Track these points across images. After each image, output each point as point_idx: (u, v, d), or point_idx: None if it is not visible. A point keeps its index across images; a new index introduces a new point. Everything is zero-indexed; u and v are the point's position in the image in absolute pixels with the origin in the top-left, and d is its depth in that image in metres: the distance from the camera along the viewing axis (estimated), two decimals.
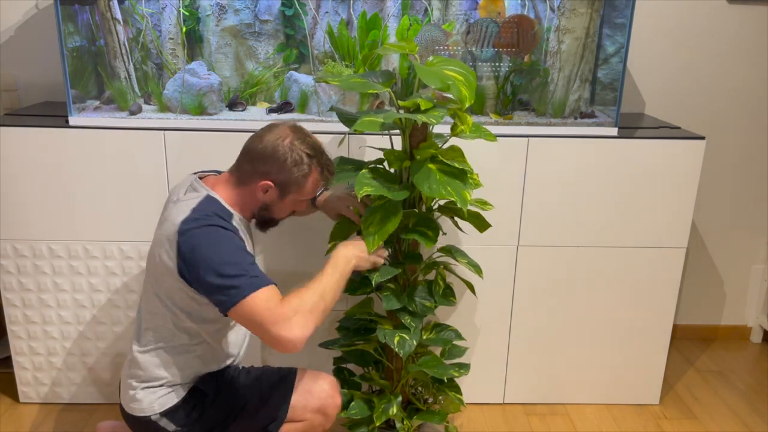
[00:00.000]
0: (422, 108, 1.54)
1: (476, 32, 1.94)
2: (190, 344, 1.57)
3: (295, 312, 1.41)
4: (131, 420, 1.60)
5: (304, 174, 1.55)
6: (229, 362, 1.70)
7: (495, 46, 1.97)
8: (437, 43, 1.93)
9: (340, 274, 1.53)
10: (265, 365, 1.75)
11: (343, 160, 1.77)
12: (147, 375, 1.56)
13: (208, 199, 1.52)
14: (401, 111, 1.60)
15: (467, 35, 1.96)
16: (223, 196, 1.56)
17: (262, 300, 1.41)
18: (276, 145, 1.53)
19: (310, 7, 1.99)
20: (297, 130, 1.57)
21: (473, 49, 1.97)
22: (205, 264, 1.42)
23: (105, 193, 1.98)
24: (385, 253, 1.68)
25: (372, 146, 1.96)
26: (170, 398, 1.57)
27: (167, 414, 1.56)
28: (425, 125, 1.62)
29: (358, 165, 1.74)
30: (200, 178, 1.60)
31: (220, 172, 1.66)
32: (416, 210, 1.70)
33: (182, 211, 1.48)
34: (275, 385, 1.65)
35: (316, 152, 1.57)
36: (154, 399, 1.56)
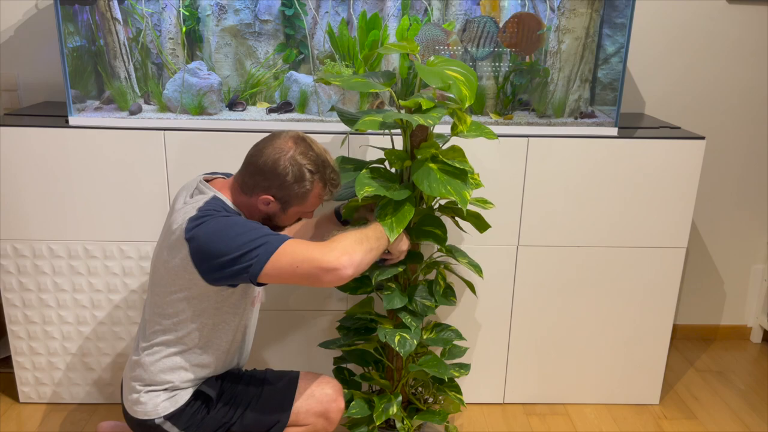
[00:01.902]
0: (424, 107, 1.54)
1: (472, 30, 1.93)
2: (195, 348, 1.56)
3: (335, 243, 1.42)
4: (134, 423, 1.59)
5: (305, 190, 1.52)
6: (232, 366, 1.69)
7: (502, 43, 1.95)
8: (438, 43, 1.93)
9: (378, 236, 1.52)
10: (268, 369, 1.74)
11: (344, 160, 1.78)
12: (151, 378, 1.55)
13: (215, 199, 1.52)
14: (402, 110, 1.60)
15: (463, 33, 1.95)
16: (230, 199, 1.55)
17: (296, 244, 1.41)
18: (277, 160, 1.49)
19: (310, 7, 1.99)
20: (299, 142, 1.52)
21: (469, 47, 1.96)
22: (219, 245, 1.40)
23: (105, 193, 1.98)
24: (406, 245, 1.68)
25: (373, 146, 1.96)
26: (174, 402, 1.55)
27: (171, 417, 1.55)
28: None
29: (358, 164, 1.74)
30: (207, 181, 1.59)
31: (229, 175, 1.64)
32: (421, 207, 1.71)
33: (188, 212, 1.47)
34: (278, 388, 1.65)
35: (319, 167, 1.52)
36: (158, 402, 1.54)
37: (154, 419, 1.54)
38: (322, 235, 1.80)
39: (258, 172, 1.50)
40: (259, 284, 1.45)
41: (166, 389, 1.56)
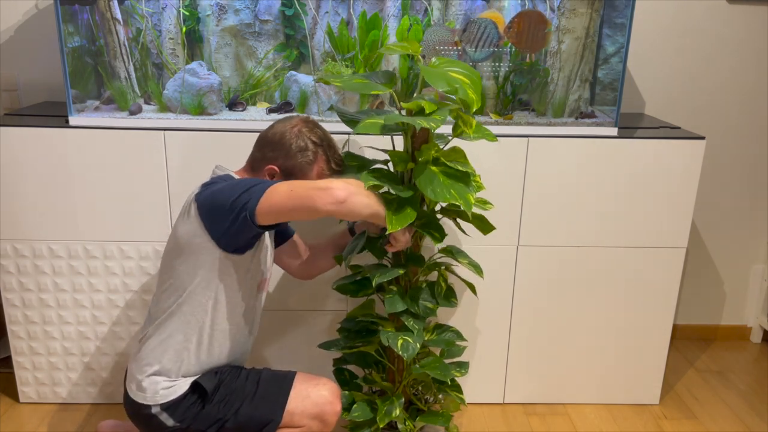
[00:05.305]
0: (426, 110, 1.53)
1: (472, 31, 1.92)
2: (197, 330, 1.59)
3: (332, 180, 1.48)
4: (133, 408, 1.61)
5: (308, 161, 1.61)
6: (231, 360, 1.70)
7: (508, 40, 1.93)
8: (445, 44, 1.92)
9: (374, 201, 1.52)
10: (266, 368, 1.74)
11: (350, 156, 1.77)
12: (153, 363, 1.58)
13: (227, 176, 1.61)
14: (403, 112, 1.60)
15: (463, 33, 1.94)
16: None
17: (291, 181, 1.48)
18: (284, 131, 1.61)
19: (310, 7, 1.99)
20: (308, 121, 1.65)
21: (467, 47, 1.95)
22: (221, 197, 1.48)
23: (105, 193, 1.98)
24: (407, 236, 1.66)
25: (373, 147, 1.96)
26: (172, 391, 1.58)
27: (167, 408, 1.57)
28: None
29: (362, 162, 1.74)
30: None
31: None
32: (423, 210, 1.70)
33: (203, 182, 1.59)
34: (273, 387, 1.65)
35: (323, 142, 1.63)
36: (158, 389, 1.57)
37: (151, 407, 1.57)
38: (334, 250, 1.87)
39: (266, 143, 1.62)
40: (261, 227, 1.48)
41: (166, 378, 1.59)
